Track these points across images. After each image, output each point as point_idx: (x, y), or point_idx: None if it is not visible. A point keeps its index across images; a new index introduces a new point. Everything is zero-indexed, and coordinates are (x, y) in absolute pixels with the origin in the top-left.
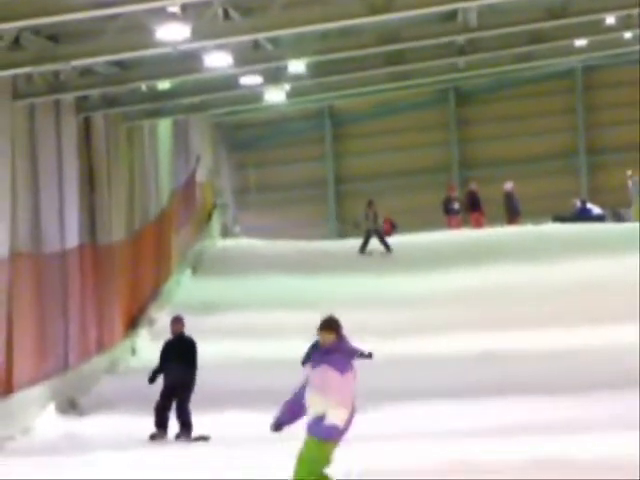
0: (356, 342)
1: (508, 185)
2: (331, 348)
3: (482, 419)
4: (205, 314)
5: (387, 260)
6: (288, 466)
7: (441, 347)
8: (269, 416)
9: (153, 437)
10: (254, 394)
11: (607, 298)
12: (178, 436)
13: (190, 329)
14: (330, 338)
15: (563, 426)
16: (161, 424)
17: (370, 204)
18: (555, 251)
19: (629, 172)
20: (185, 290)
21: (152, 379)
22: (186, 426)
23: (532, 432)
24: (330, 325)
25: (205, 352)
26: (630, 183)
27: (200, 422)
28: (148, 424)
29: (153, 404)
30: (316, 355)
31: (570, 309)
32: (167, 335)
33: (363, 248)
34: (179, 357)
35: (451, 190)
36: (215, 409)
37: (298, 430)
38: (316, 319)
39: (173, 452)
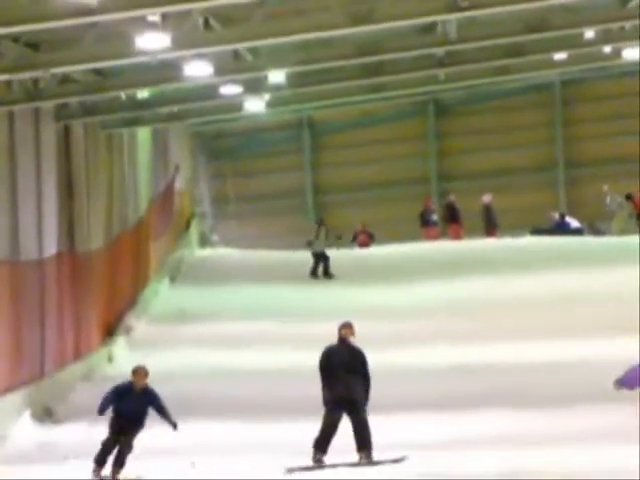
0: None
1: (486, 197)
2: None
3: (460, 431)
4: (183, 323)
5: (365, 271)
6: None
7: (419, 359)
8: (245, 426)
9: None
10: (231, 404)
11: (586, 311)
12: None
13: (167, 338)
14: None
15: (541, 439)
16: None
17: (320, 222)
18: (534, 264)
19: (605, 187)
20: (163, 299)
21: (102, 411)
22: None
23: (508, 444)
24: None
25: (182, 361)
26: (608, 198)
27: (178, 431)
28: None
29: None
30: None
31: (549, 321)
32: (144, 344)
33: (314, 272)
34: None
35: (428, 202)
36: (192, 419)
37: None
38: (296, 329)
39: (145, 462)
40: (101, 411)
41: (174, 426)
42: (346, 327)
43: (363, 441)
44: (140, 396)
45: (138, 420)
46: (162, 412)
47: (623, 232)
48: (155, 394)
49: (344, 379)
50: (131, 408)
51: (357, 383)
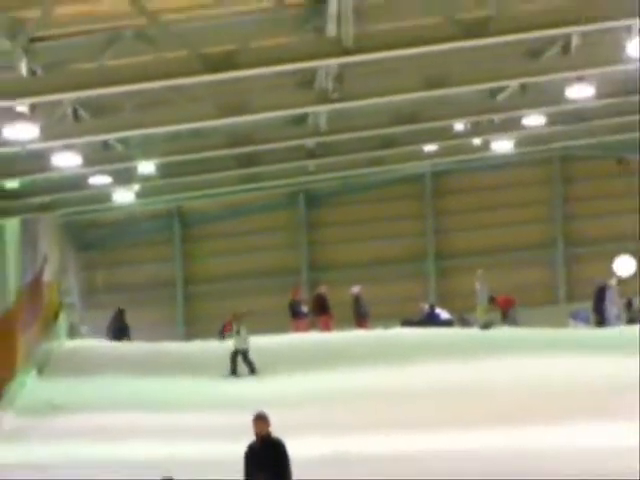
0: (198, 443)
1: (355, 289)
2: None
3: None
4: (52, 415)
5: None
6: None
7: (293, 449)
8: None
9: None
10: None
11: (455, 401)
12: None
13: (36, 430)
14: None
15: None
16: None
17: (235, 317)
18: (405, 355)
19: (480, 271)
20: (30, 391)
21: None
22: None
23: None
24: None
25: (52, 454)
26: (477, 285)
27: None
28: None
29: None
30: None
31: (420, 413)
32: (13, 437)
33: (234, 370)
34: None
35: (296, 293)
36: None
37: None
38: (166, 419)
39: None
40: None
41: None
42: (259, 421)
43: None
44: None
45: None
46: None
47: (488, 324)
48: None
49: (265, 477)
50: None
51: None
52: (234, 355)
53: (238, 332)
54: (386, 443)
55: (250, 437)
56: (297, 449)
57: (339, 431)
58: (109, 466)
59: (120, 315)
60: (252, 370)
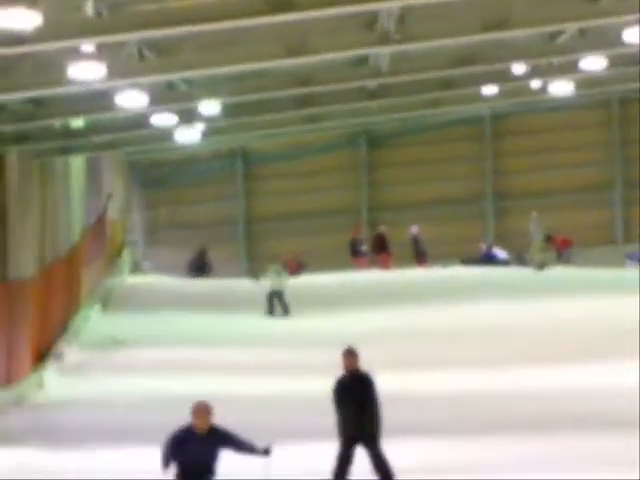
0: (258, 380)
1: (414, 229)
2: None
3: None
4: (114, 350)
5: (297, 299)
6: None
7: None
8: None
9: None
10: (163, 431)
11: (511, 340)
12: None
13: (99, 365)
14: None
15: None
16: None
17: (279, 263)
18: (463, 293)
19: (534, 213)
20: (94, 326)
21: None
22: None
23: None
24: None
25: (114, 388)
26: (532, 226)
27: (110, 458)
28: (54, 459)
29: (60, 438)
30: None
31: (477, 351)
32: (75, 371)
33: (270, 310)
34: (357, 398)
35: (356, 232)
36: (125, 446)
37: None
38: (226, 355)
39: None
40: (165, 465)
41: (267, 452)
42: (348, 355)
43: (384, 476)
44: (207, 439)
45: (208, 469)
46: (245, 449)
47: (543, 265)
48: (226, 433)
49: (355, 414)
50: (198, 456)
51: (368, 416)
52: (271, 296)
53: (278, 273)
54: (449, 380)
55: (309, 374)
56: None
57: (405, 368)
58: (170, 401)
59: (202, 254)
60: (285, 311)
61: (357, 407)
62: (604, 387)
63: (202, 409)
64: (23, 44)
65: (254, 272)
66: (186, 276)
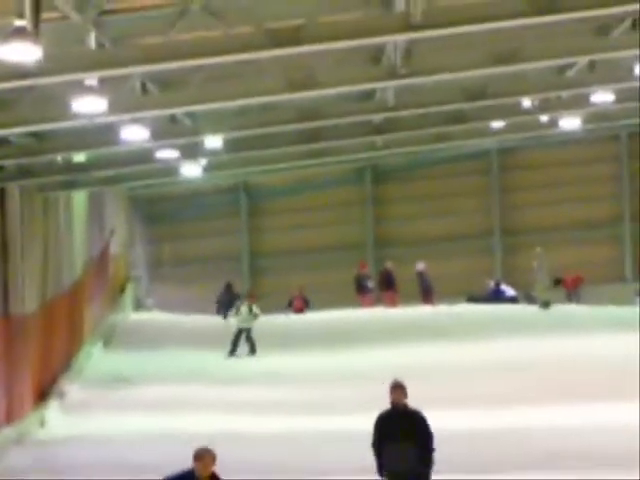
0: (258, 418)
1: (420, 265)
2: None
3: None
4: (116, 387)
5: (302, 336)
6: None
7: (349, 425)
8: None
9: None
10: (166, 468)
11: (519, 377)
12: None
13: (101, 402)
14: None
15: None
16: None
17: (250, 296)
18: (470, 331)
19: (538, 249)
20: (96, 363)
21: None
22: None
23: None
24: None
25: (116, 426)
26: (535, 263)
27: None
28: None
29: (63, 476)
30: None
31: (486, 389)
32: (78, 408)
33: (233, 350)
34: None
35: (362, 267)
36: None
37: None
38: (226, 393)
39: None
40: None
41: None
42: (397, 389)
43: None
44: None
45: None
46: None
47: (547, 303)
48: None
49: (400, 450)
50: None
51: (414, 454)
52: (238, 334)
53: (247, 311)
54: (460, 418)
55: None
56: (355, 425)
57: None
58: (172, 439)
59: (229, 288)
60: (252, 350)
61: (406, 444)
62: (615, 425)
63: (204, 455)
64: (24, 78)
65: (222, 310)
66: (216, 314)
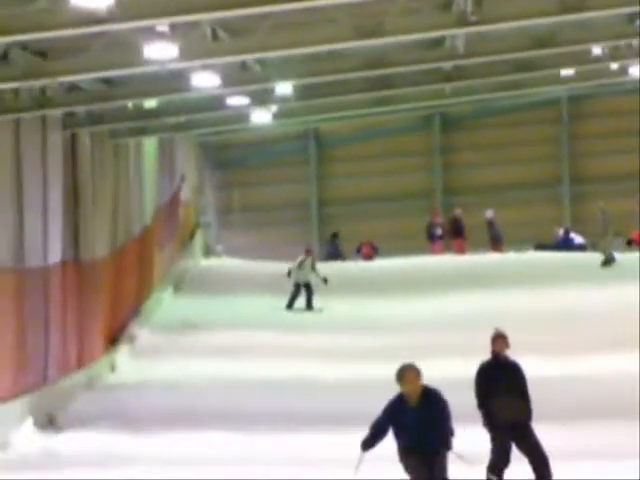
0: (333, 364)
1: (489, 213)
2: None
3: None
4: (186, 332)
5: (369, 284)
6: None
7: (438, 372)
8: (248, 437)
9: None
10: (234, 414)
11: (588, 326)
12: None
13: (170, 347)
14: None
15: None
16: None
17: (308, 251)
18: (538, 279)
19: (601, 203)
20: (166, 308)
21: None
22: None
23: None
24: None
25: (185, 371)
26: (600, 216)
27: (181, 441)
28: (125, 442)
29: (132, 421)
30: None
31: (551, 337)
32: (147, 353)
33: (290, 304)
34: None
35: (434, 216)
36: (195, 429)
37: (267, 453)
38: (296, 340)
39: (151, 471)
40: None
41: None
42: (498, 339)
43: (542, 475)
44: (419, 406)
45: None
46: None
47: (609, 261)
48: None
49: (504, 401)
50: (414, 424)
51: (518, 403)
52: (296, 289)
53: (301, 265)
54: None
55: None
56: (438, 371)
57: (469, 354)
58: (240, 384)
59: (333, 239)
60: (309, 306)
61: (512, 394)
62: None
63: (404, 374)
64: (96, 24)
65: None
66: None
